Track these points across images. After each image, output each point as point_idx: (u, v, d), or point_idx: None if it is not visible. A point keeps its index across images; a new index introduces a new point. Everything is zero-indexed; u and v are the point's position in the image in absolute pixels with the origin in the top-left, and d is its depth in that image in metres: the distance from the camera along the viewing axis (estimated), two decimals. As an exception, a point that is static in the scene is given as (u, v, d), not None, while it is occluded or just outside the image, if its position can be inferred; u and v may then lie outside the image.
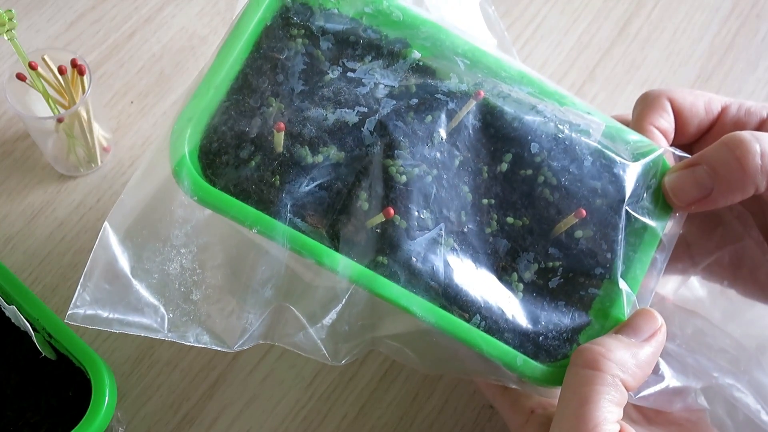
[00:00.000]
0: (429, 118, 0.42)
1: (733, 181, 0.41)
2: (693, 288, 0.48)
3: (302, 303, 0.42)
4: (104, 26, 0.63)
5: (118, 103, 0.61)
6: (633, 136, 0.44)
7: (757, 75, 0.65)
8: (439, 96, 0.42)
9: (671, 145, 0.45)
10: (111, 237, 0.40)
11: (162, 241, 0.41)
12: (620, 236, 0.43)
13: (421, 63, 0.43)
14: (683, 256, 0.47)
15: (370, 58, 0.43)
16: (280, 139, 0.40)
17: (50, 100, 0.54)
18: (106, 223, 0.40)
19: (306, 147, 0.41)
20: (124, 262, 0.41)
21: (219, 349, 0.42)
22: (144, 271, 0.41)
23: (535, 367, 0.41)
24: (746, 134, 0.41)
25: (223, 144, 0.41)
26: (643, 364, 0.40)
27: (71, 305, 0.40)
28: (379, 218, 0.40)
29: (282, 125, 0.39)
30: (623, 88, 0.64)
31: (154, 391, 0.52)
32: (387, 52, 0.43)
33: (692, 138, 0.47)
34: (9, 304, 0.46)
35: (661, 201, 0.44)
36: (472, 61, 0.44)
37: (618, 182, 0.43)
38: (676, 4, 0.68)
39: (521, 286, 0.42)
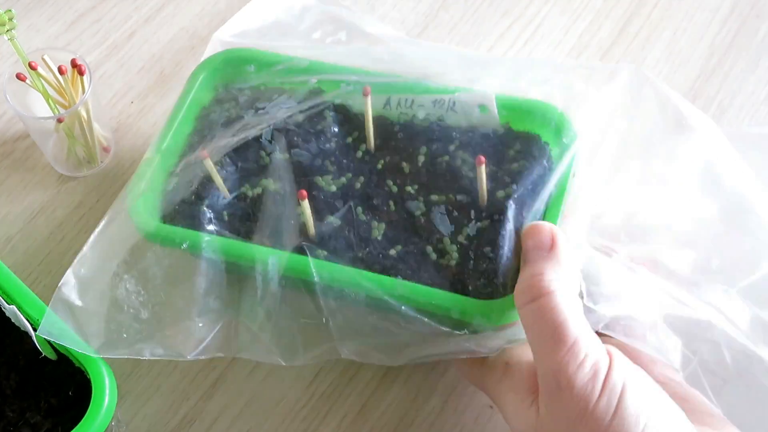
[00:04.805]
0: (319, 118, 0.50)
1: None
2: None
3: (247, 312, 0.46)
4: (104, 26, 0.63)
5: (118, 103, 0.61)
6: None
7: (757, 75, 0.65)
8: (326, 100, 0.50)
9: None
10: (71, 279, 0.46)
11: (107, 273, 0.47)
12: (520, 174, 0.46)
13: (316, 87, 0.52)
14: None
15: (277, 96, 0.51)
16: (210, 166, 0.46)
17: (50, 100, 0.54)
18: (69, 270, 0.46)
19: (218, 166, 0.48)
20: (78, 297, 0.46)
21: (175, 359, 0.47)
22: (97, 302, 0.47)
23: (479, 304, 0.43)
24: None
25: (175, 189, 0.48)
26: (567, 265, 0.41)
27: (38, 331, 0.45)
28: (297, 207, 0.45)
29: (205, 153, 0.46)
30: (623, 88, 0.64)
31: (154, 391, 0.52)
32: (289, 88, 0.52)
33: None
34: (9, 304, 0.46)
35: (565, 133, 0.47)
36: (360, 77, 0.51)
37: (499, 129, 0.49)
38: (676, 4, 0.68)
39: (454, 247, 0.45)
